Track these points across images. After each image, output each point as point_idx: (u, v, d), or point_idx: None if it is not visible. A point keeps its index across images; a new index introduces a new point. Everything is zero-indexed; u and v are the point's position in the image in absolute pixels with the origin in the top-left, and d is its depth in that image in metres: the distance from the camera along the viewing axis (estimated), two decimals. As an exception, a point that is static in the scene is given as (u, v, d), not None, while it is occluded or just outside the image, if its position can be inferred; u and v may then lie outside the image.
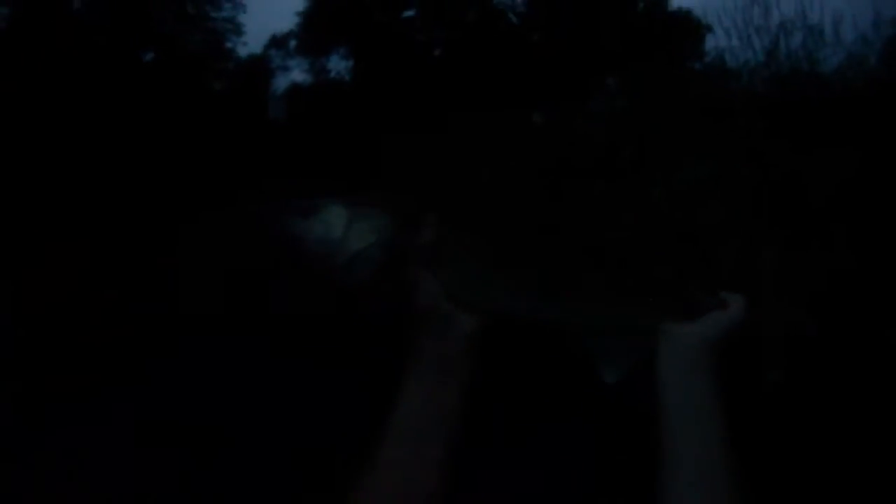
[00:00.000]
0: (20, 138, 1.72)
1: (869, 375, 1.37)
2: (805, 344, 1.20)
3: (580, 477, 1.32)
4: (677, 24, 3.89)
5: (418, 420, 0.91)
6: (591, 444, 1.34)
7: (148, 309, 1.43)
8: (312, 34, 5.25)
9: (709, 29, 3.28)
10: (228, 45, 5.11)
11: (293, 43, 5.22)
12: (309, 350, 1.43)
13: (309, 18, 5.41)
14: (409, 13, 4.79)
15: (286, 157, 1.75)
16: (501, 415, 1.29)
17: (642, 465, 0.98)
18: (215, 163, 1.71)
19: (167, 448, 1.40)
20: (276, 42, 5.26)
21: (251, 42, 5.16)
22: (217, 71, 4.04)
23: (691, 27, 3.64)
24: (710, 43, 2.93)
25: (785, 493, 1.33)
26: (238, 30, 5.18)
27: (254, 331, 1.42)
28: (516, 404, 1.33)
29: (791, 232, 1.58)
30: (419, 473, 0.88)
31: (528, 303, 0.97)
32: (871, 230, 1.58)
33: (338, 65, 4.60)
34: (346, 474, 0.91)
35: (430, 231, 0.94)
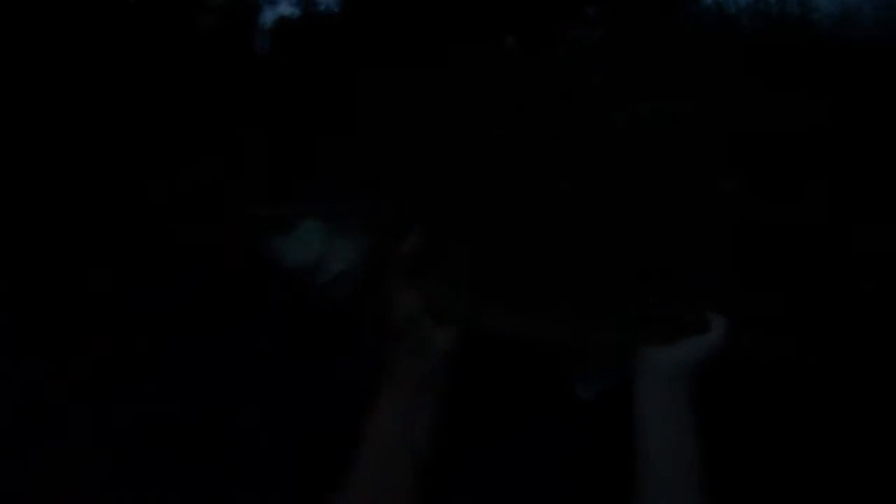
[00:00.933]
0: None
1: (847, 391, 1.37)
2: (781, 366, 1.20)
3: (553, 495, 1.32)
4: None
5: (391, 440, 0.90)
6: (564, 463, 1.33)
7: (150, 305, 1.41)
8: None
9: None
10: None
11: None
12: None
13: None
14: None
15: (274, 93, 1.69)
16: (474, 431, 1.28)
17: (616, 485, 0.99)
18: (204, 101, 1.65)
19: (168, 447, 1.41)
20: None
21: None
22: (203, 6, 3.91)
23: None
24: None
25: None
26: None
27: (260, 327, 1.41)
28: (490, 421, 1.31)
29: (758, 176, 1.55)
30: (391, 494, 0.88)
31: (505, 319, 0.95)
32: (844, 185, 1.55)
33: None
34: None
35: (410, 243, 0.91)
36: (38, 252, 1.40)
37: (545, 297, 0.96)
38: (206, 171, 1.39)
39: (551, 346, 0.98)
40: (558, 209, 1.25)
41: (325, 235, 0.89)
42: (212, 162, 1.41)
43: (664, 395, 0.95)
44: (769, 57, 1.69)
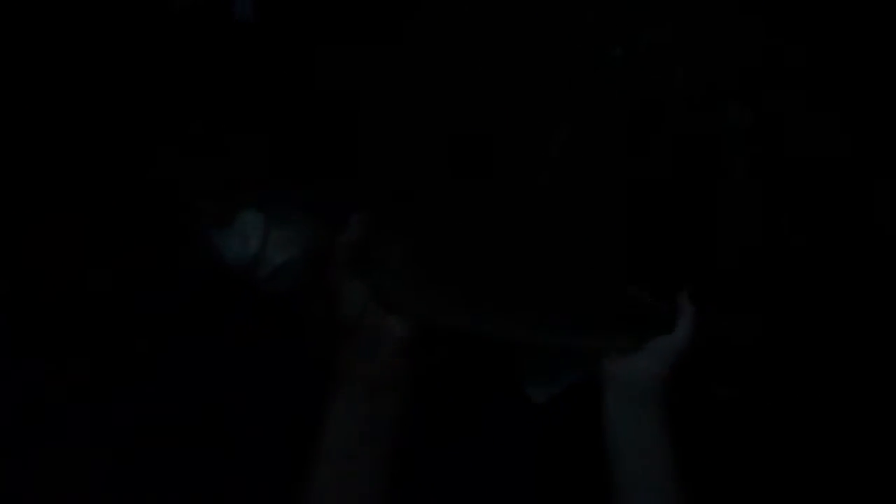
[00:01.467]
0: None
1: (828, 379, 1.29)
2: (755, 353, 1.12)
3: (516, 491, 1.27)
4: None
5: (350, 442, 0.86)
6: (528, 459, 1.28)
7: (150, 305, 1.41)
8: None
9: None
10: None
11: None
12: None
13: None
14: None
15: (255, 63, 1.61)
16: (435, 426, 1.23)
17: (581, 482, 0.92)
18: (182, 77, 1.58)
19: (168, 447, 1.40)
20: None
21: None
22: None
23: None
24: None
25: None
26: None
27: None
28: (451, 416, 1.27)
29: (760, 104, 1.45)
30: (355, 496, 0.85)
31: (453, 314, 0.90)
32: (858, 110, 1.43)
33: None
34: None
35: (354, 231, 0.86)
36: (37, 251, 1.41)
37: (495, 293, 0.90)
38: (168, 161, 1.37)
39: (503, 344, 0.91)
40: (517, 190, 1.18)
41: (264, 226, 0.86)
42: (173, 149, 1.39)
43: (634, 416, 0.90)
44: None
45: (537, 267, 0.92)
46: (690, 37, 1.43)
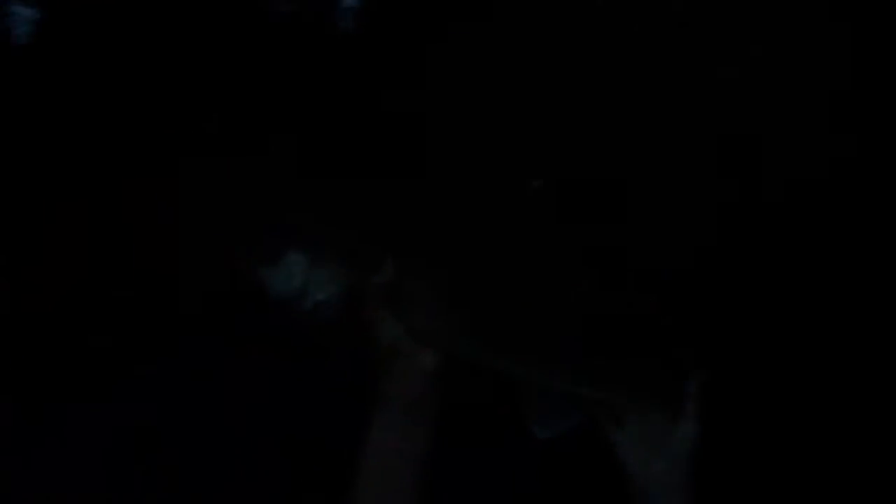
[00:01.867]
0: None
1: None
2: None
3: None
4: None
5: (388, 463, 0.93)
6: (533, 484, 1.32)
7: (155, 305, 1.41)
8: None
9: None
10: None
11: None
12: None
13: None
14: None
15: (357, 74, 1.60)
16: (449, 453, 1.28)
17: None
18: (281, 87, 1.58)
19: (166, 448, 1.41)
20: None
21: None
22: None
23: None
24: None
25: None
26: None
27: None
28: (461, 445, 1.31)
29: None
30: None
31: (476, 350, 0.97)
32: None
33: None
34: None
35: (388, 273, 0.93)
36: (38, 253, 1.40)
37: (513, 333, 0.97)
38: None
39: (518, 380, 0.97)
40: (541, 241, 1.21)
41: (307, 267, 0.93)
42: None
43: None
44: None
45: (557, 313, 0.97)
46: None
